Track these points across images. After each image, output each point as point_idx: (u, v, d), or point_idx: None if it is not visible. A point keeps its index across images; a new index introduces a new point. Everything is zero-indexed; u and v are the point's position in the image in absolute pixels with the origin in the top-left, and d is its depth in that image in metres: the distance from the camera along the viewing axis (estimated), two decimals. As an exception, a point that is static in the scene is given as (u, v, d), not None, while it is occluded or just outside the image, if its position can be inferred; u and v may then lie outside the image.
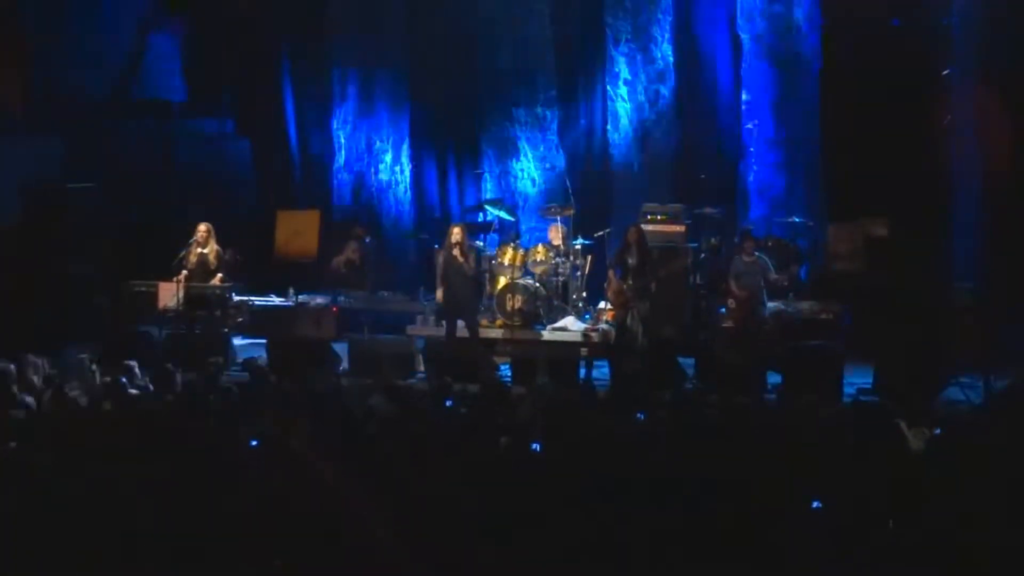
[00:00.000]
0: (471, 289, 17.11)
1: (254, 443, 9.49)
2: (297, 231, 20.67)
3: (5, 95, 19.77)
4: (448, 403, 11.70)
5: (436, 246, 18.74)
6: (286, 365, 15.05)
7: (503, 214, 19.38)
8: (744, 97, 19.94)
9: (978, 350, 15.18)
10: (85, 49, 20.16)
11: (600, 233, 19.14)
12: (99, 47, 20.20)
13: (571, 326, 17.72)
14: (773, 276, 16.89)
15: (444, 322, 17.17)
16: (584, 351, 17.15)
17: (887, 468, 8.97)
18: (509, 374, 16.01)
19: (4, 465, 8.98)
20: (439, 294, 16.87)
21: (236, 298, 18.16)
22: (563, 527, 7.79)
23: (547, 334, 17.60)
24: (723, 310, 17.33)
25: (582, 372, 16.24)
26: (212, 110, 21.34)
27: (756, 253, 17.01)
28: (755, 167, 19.90)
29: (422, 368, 16.41)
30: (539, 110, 20.88)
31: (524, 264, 17.95)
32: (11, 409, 11.21)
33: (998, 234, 17.61)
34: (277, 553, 7.70)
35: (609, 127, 20.52)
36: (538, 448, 9.54)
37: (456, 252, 16.62)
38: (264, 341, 17.10)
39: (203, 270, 17.54)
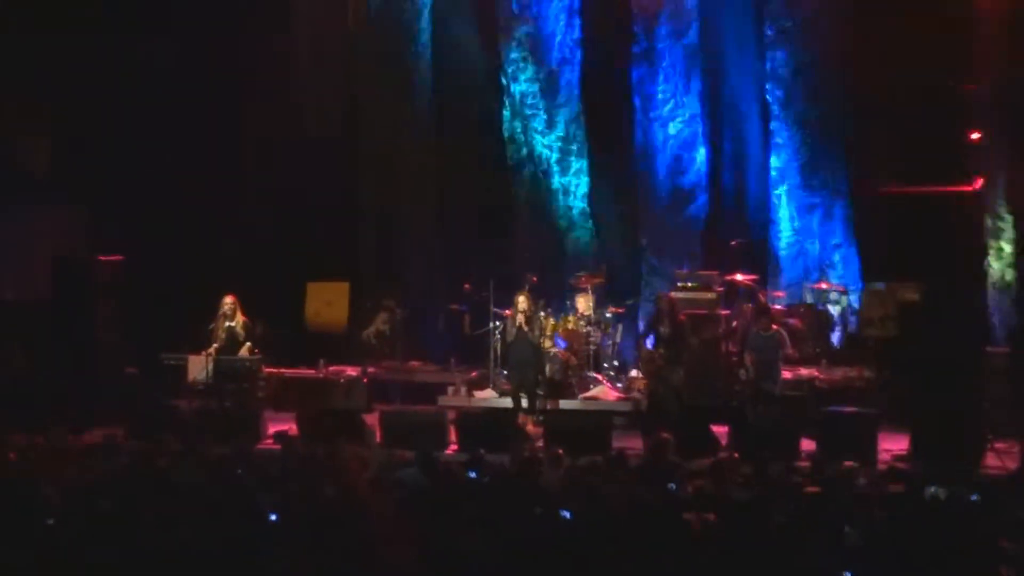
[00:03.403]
0: (535, 357, 17.10)
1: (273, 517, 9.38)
2: (327, 302, 20.60)
3: (33, 165, 19.86)
4: (472, 474, 11.55)
5: (467, 314, 18.71)
6: (317, 437, 14.94)
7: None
8: (774, 162, 19.93)
9: (1014, 415, 15.03)
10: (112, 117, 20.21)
11: (630, 301, 19.06)
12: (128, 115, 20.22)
13: (603, 395, 17.63)
14: (789, 351, 16.71)
15: (509, 390, 17.27)
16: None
17: (923, 535, 8.85)
18: (541, 444, 15.88)
19: None
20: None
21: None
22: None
23: (579, 403, 17.49)
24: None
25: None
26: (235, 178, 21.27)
27: (774, 327, 16.74)
28: (785, 232, 19.87)
29: (454, 439, 16.25)
30: (571, 178, 20.84)
31: (555, 333, 17.88)
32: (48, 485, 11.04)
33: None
34: None
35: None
36: (569, 516, 9.44)
37: (522, 320, 16.69)
38: (294, 413, 17.00)
39: (232, 342, 17.51)
